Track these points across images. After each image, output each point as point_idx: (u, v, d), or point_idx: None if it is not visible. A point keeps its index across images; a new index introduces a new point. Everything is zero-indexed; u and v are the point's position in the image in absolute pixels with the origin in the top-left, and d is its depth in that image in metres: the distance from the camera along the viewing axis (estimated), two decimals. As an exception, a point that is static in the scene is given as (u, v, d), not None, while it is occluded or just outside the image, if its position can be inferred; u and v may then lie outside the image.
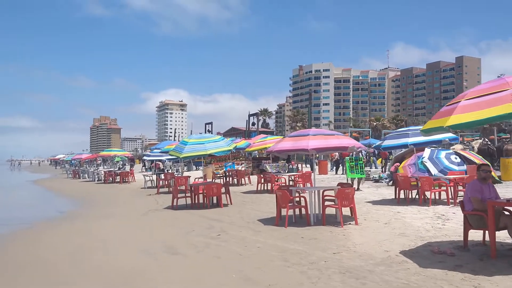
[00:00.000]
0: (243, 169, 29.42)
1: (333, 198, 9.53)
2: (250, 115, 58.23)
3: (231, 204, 14.30)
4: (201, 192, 14.20)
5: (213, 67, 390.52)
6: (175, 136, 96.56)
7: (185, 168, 37.23)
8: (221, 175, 28.43)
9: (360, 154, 15.07)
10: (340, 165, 28.43)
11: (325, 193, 9.66)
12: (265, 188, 18.81)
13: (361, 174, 15.45)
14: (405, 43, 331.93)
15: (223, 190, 14.04)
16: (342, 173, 27.17)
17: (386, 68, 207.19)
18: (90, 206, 16.35)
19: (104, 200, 18.58)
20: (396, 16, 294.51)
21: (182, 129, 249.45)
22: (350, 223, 9.40)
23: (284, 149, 9.49)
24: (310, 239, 8.10)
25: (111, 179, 28.82)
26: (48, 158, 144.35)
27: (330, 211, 10.12)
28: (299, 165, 29.85)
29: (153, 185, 23.64)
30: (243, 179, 22.77)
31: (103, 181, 29.79)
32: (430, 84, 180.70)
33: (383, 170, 27.33)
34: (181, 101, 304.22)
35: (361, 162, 15.40)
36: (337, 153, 28.87)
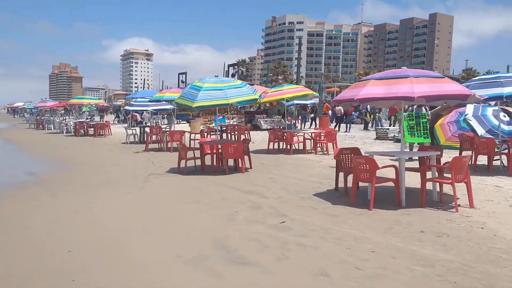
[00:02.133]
0: (234, 123, 26.43)
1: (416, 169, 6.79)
2: (229, 65, 54.43)
3: (251, 168, 11.42)
4: (215, 152, 11.21)
5: (180, 15, 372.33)
6: (144, 86, 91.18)
7: (164, 121, 33.76)
8: (208, 130, 25.33)
9: (422, 108, 12.21)
10: (344, 122, 25.80)
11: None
12: (279, 147, 15.97)
13: (424, 137, 12.41)
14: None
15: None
16: (346, 131, 24.60)
17: (359, 23, 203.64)
18: (70, 166, 13.03)
19: (85, 157, 15.21)
20: None
21: (148, 79, 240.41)
22: (459, 205, 6.71)
23: (374, 96, 6.54)
24: (436, 234, 5.37)
25: (82, 131, 25.17)
26: (5, 106, 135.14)
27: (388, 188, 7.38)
28: (297, 121, 27.04)
29: (135, 139, 20.35)
30: (242, 136, 19.79)
31: (73, 133, 26.08)
32: (402, 41, 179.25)
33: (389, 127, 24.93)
34: (147, 50, 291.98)
35: (425, 120, 12.48)
36: (339, 107, 26.20)
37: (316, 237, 5.38)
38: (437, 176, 7.14)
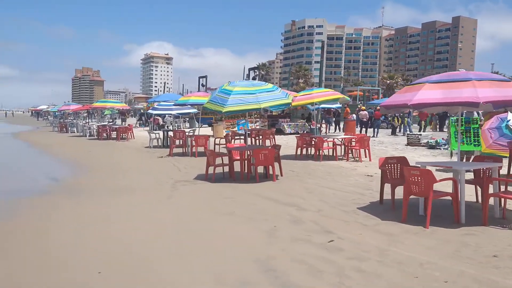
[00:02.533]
0: (257, 127, 25.90)
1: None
2: (249, 69, 53.96)
3: (281, 176, 10.81)
4: (244, 159, 10.65)
5: (199, 19, 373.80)
6: (164, 90, 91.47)
7: (186, 124, 33.44)
8: (233, 134, 24.83)
9: (474, 113, 11.42)
10: (371, 127, 24.95)
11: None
12: (307, 153, 15.31)
13: (475, 145, 11.54)
14: (394, 2, 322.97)
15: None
16: (373, 136, 23.78)
17: (380, 27, 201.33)
18: (94, 171, 12.62)
19: (108, 162, 14.81)
20: None
21: (168, 83, 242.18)
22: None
23: (430, 101, 5.86)
24: (512, 260, 4.67)
25: (105, 135, 24.92)
26: (29, 109, 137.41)
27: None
28: (322, 125, 26.28)
29: (159, 143, 19.95)
30: (268, 141, 19.22)
31: (96, 137, 25.87)
32: (424, 44, 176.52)
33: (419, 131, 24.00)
34: (167, 54, 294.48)
35: (477, 126, 11.67)
36: (364, 112, 25.40)
37: (374, 261, 4.73)
38: (499, 190, 6.42)
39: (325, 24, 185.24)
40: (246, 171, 10.60)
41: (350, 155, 14.33)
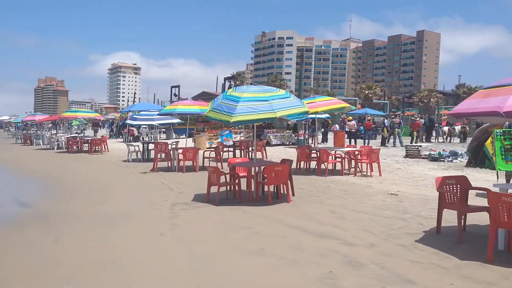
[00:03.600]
0: (242, 138, 24.42)
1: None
2: (226, 78, 52.51)
3: (293, 195, 9.35)
4: (252, 177, 9.15)
5: (167, 29, 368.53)
6: (134, 100, 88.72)
7: (162, 135, 31.57)
8: (215, 146, 23.24)
9: None
10: (362, 138, 23.89)
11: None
12: (306, 167, 13.93)
13: None
14: (359, 16, 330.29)
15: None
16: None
17: (348, 39, 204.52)
18: (71, 192, 10.76)
19: (86, 180, 12.88)
20: None
21: (136, 93, 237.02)
22: None
23: (496, 109, 4.58)
24: None
25: (76, 147, 22.82)
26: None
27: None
28: (308, 136, 25.02)
29: (138, 157, 18.14)
30: (259, 153, 17.75)
31: (66, 150, 23.70)
32: (390, 57, 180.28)
33: (411, 143, 23.11)
34: (135, 64, 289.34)
35: None
36: (352, 122, 24.32)
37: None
38: None
39: (295, 36, 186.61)
40: (254, 191, 9.09)
41: (357, 169, 13.05)
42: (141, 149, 18.21)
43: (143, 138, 28.74)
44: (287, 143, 25.13)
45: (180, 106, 14.19)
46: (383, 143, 24.47)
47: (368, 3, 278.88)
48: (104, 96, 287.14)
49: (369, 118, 22.99)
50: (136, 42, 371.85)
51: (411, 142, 23.25)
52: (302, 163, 13.99)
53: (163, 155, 15.35)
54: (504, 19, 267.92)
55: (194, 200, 9.29)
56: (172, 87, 65.26)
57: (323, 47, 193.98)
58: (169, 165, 15.12)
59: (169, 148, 17.74)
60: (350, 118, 26.01)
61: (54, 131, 34.12)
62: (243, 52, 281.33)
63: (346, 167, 13.19)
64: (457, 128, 26.62)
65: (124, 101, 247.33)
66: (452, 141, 27.23)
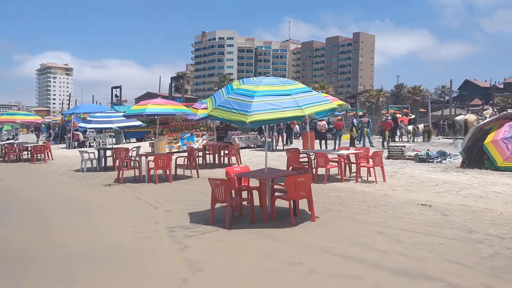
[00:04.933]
0: (204, 142, 22.47)
1: None
2: (172, 78, 49.83)
3: (310, 211, 7.72)
4: (264, 190, 7.41)
5: (101, 29, 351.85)
6: (70, 102, 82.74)
7: (111, 140, 28.74)
8: (175, 150, 21.14)
9: None
10: (333, 138, 22.68)
11: None
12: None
13: None
14: (295, 18, 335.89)
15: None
16: (334, 148, 21.60)
17: (287, 40, 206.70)
18: (25, 219, 8.35)
19: (38, 197, 10.34)
20: None
21: (68, 95, 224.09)
22: None
23: None
24: None
25: (14, 155, 19.75)
26: None
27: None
28: (275, 138, 23.48)
29: (92, 165, 15.70)
30: (233, 157, 15.96)
31: (1, 159, 20.48)
32: (328, 58, 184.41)
33: (383, 144, 22.32)
34: (66, 65, 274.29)
35: None
36: (323, 122, 23.09)
37: None
38: None
39: (235, 36, 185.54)
40: (269, 207, 7.37)
41: (358, 174, 11.68)
42: (95, 156, 15.78)
43: (89, 143, 25.89)
44: (253, 145, 23.51)
45: (151, 106, 12.09)
46: (352, 143, 23.49)
47: (302, 5, 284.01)
48: (33, 98, 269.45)
49: (339, 117, 21.98)
50: (67, 42, 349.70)
51: (382, 142, 22.44)
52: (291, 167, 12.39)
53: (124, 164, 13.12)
54: (428, 23, 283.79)
55: (193, 221, 7.41)
56: (112, 88, 61.19)
57: (263, 48, 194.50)
58: (136, 174, 12.97)
59: (131, 154, 15.57)
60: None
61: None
62: (181, 53, 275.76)
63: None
64: (421, 126, 26.34)
65: (55, 103, 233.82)
66: (415, 140, 26.94)
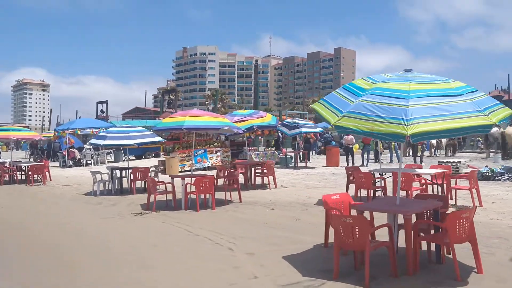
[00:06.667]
0: (218, 159, 20.37)
1: None
2: (164, 92, 47.54)
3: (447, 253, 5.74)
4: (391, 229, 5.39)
5: (77, 45, 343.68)
6: (51, 118, 79.27)
7: (108, 157, 26.28)
8: (188, 168, 18.91)
9: None
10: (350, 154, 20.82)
11: None
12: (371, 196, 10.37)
13: None
14: (273, 35, 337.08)
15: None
16: (362, 164, 19.78)
17: (269, 56, 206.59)
18: (41, 262, 6.14)
19: (49, 233, 8.00)
20: (261, 9, 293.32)
21: (44, 111, 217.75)
22: None
23: None
24: None
25: (7, 176, 17.21)
26: None
27: None
28: (297, 154, 21.42)
29: (106, 187, 13.43)
30: (267, 178, 13.86)
31: (-10, 181, 17.85)
32: (310, 73, 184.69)
33: (415, 160, 20.56)
34: (43, 81, 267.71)
35: None
36: (350, 136, 21.20)
37: None
38: None
39: (217, 51, 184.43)
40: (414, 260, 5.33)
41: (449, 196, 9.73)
42: (108, 177, 13.48)
43: (86, 161, 23.38)
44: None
45: (189, 118, 9.91)
46: (377, 159, 21.68)
47: (280, 23, 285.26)
48: (8, 115, 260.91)
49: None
50: (42, 59, 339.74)
51: (414, 158, 20.67)
52: (360, 191, 10.40)
53: (161, 187, 10.89)
54: (402, 40, 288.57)
55: (305, 274, 5.31)
56: (98, 103, 58.68)
57: (245, 63, 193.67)
58: (168, 198, 10.76)
59: (151, 174, 13.38)
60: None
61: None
62: (160, 69, 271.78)
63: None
64: (444, 141, 24.79)
65: (31, 120, 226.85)
66: (438, 154, 25.37)
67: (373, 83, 5.27)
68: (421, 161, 19.80)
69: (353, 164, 20.20)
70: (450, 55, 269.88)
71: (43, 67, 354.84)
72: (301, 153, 21.38)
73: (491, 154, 22.07)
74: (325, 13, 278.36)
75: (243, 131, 11.75)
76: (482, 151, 24.85)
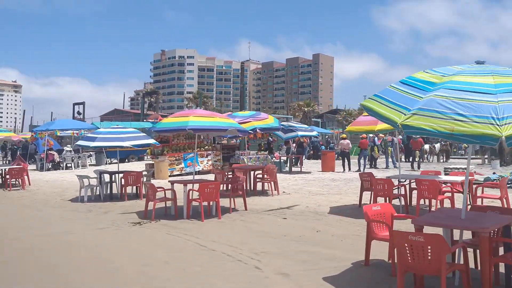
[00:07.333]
0: (209, 162, 19.43)
1: None
2: (145, 94, 46.17)
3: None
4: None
5: (51, 46, 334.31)
6: (24, 120, 76.26)
7: (90, 160, 24.94)
8: (178, 173, 17.91)
9: None
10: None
11: None
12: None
13: None
14: (251, 40, 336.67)
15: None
16: (350, 170, 19.23)
17: (247, 60, 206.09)
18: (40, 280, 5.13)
19: (46, 260, 6.97)
20: (239, 14, 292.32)
21: (15, 113, 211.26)
22: None
23: None
24: None
25: (-20, 181, 15.82)
26: None
27: None
28: (291, 158, 20.62)
29: (93, 193, 12.31)
30: (268, 184, 13.00)
31: (-39, 185, 16.40)
32: (289, 78, 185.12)
33: (412, 165, 20.00)
34: (15, 81, 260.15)
35: None
36: (347, 141, 20.54)
37: None
38: None
39: (196, 55, 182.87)
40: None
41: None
42: (96, 182, 12.37)
43: (66, 164, 22.02)
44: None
45: (193, 118, 8.97)
46: (373, 165, 21.11)
47: (257, 28, 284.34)
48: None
49: (364, 136, 19.55)
50: (13, 58, 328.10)
51: (412, 163, 20.11)
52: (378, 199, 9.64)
53: (161, 194, 9.88)
54: (377, 48, 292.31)
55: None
56: (74, 104, 56.69)
57: (224, 67, 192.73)
58: (167, 206, 9.77)
59: (143, 179, 12.38)
60: (344, 135, 21.94)
61: None
62: (137, 71, 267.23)
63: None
64: (437, 146, 24.42)
65: (2, 121, 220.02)
66: (431, 160, 24.99)
67: (443, 76, 4.48)
68: (418, 167, 19.26)
69: (349, 169, 19.57)
70: (422, 63, 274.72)
71: (15, 68, 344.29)
72: (293, 157, 20.59)
73: (486, 160, 21.77)
74: (302, 19, 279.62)
75: (249, 132, 10.86)
76: (476, 157, 24.58)
